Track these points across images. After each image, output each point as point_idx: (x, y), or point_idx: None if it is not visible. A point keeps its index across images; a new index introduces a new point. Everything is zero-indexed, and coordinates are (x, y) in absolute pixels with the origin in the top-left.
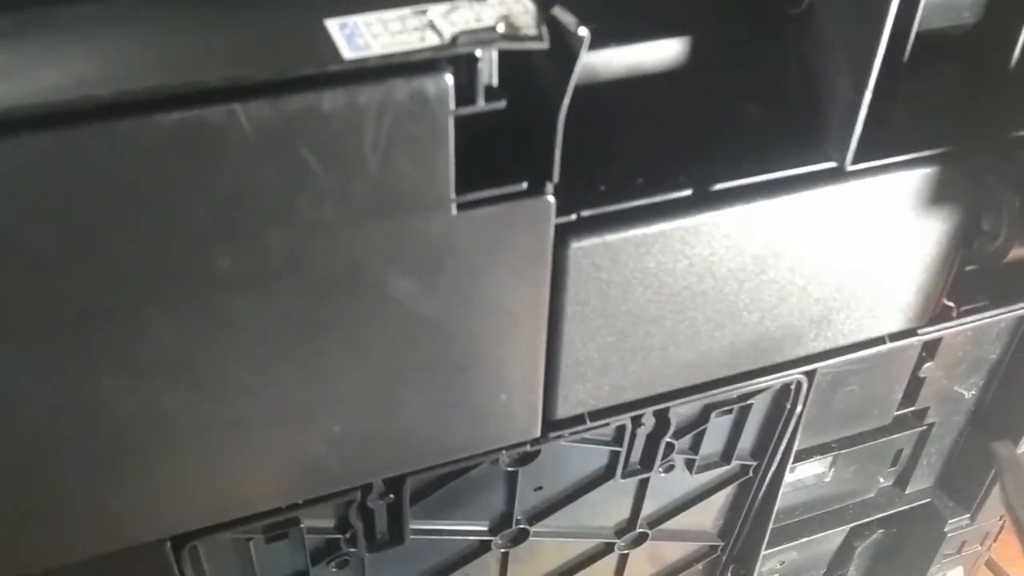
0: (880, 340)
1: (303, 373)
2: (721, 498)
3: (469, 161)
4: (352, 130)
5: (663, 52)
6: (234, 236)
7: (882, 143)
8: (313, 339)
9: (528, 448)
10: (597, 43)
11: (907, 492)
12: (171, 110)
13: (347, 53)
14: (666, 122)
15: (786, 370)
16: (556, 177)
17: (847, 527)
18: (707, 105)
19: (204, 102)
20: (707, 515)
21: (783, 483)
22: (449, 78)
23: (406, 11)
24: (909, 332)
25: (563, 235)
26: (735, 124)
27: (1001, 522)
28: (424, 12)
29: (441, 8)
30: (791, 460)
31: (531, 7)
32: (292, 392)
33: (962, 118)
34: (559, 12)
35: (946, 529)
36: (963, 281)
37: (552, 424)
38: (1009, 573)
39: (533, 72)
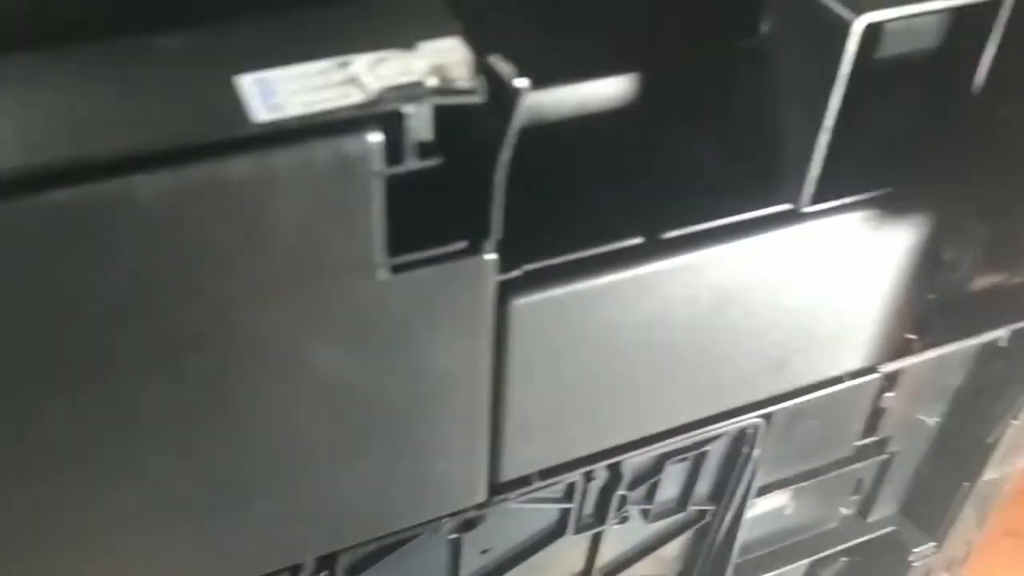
0: (839, 379)
1: (222, 454)
2: (678, 544)
3: (406, 217)
4: (267, 197)
5: (611, 90)
6: (139, 316)
7: (839, 182)
8: (232, 417)
9: (472, 513)
10: (542, 82)
11: (870, 521)
12: (59, 187)
13: (260, 115)
14: (616, 164)
15: (742, 414)
16: (497, 234)
17: (810, 559)
18: (658, 145)
19: (97, 176)
20: (665, 560)
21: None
22: (376, 136)
23: (329, 63)
24: (869, 369)
25: (505, 292)
26: (687, 165)
27: (967, 548)
28: (348, 64)
29: (366, 60)
30: (748, 501)
31: (466, 56)
32: (211, 474)
33: (924, 147)
34: (496, 61)
35: (911, 558)
36: (924, 312)
37: (498, 487)
38: None
39: (471, 122)
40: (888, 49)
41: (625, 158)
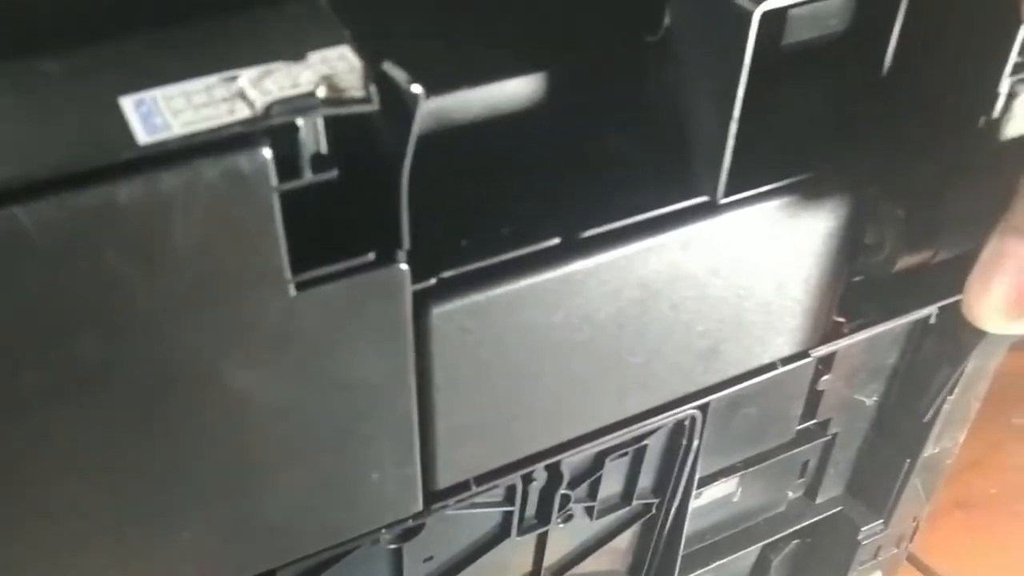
0: (772, 366)
1: (139, 481)
2: (627, 537)
3: (315, 232)
4: (158, 220)
5: (522, 90)
6: (38, 349)
7: (754, 171)
8: (146, 443)
9: (410, 523)
10: (448, 85)
11: (818, 502)
12: None
13: (142, 137)
14: (530, 165)
15: (678, 407)
16: (406, 243)
17: (761, 544)
18: (573, 143)
19: None
20: (614, 555)
21: (690, 512)
22: (267, 152)
23: (214, 79)
24: (801, 354)
25: (423, 300)
26: (603, 162)
27: (914, 523)
28: (235, 79)
29: (253, 73)
30: (693, 491)
31: (357, 64)
32: (133, 498)
33: (837, 132)
34: (390, 67)
35: (860, 537)
36: (851, 294)
37: (434, 495)
38: (927, 562)
39: (371, 132)
40: (795, 35)
41: (540, 158)
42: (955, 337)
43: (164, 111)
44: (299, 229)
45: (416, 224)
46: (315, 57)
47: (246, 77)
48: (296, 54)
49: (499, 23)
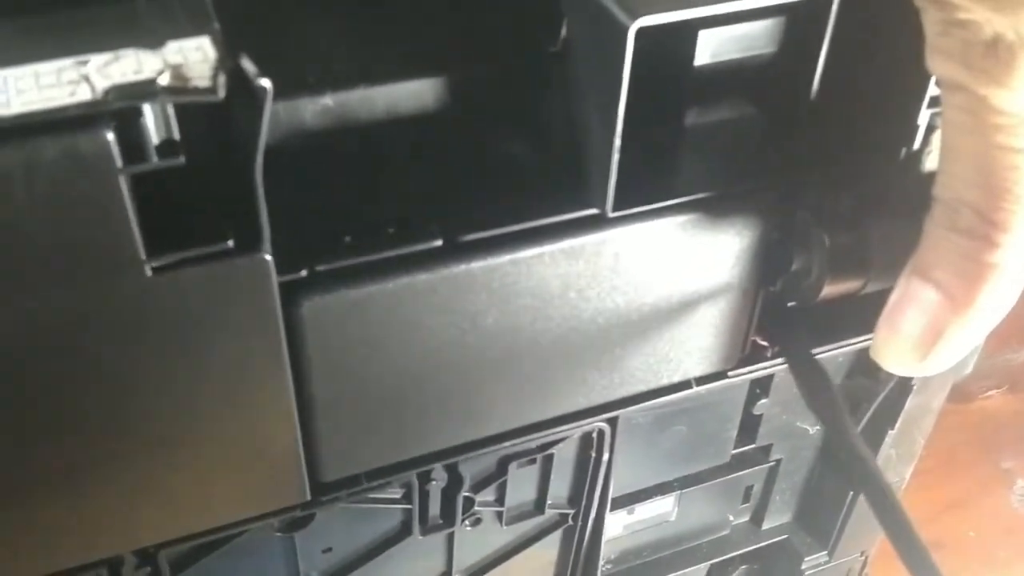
0: (686, 384)
1: (11, 449)
2: (550, 546)
3: (190, 219)
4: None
5: (425, 93)
6: None
7: (651, 187)
8: (9, 416)
9: (299, 512)
10: (350, 83)
11: (764, 528)
12: None
13: None
14: (429, 168)
15: (585, 418)
16: (266, 234)
17: (706, 564)
18: (475, 149)
19: None
20: (537, 564)
21: (622, 527)
22: (108, 135)
23: (68, 62)
24: (718, 375)
25: (292, 293)
26: (500, 169)
27: (863, 558)
28: (86, 63)
29: (103, 59)
30: (608, 505)
31: (211, 55)
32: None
33: (757, 153)
34: (244, 61)
35: (803, 567)
36: (780, 319)
37: (324, 486)
38: None
39: (238, 123)
40: (721, 53)
41: (438, 162)
42: (874, 375)
43: (10, 90)
44: (174, 215)
45: (303, 218)
46: (172, 47)
47: (95, 62)
48: (155, 43)
49: (410, 27)
